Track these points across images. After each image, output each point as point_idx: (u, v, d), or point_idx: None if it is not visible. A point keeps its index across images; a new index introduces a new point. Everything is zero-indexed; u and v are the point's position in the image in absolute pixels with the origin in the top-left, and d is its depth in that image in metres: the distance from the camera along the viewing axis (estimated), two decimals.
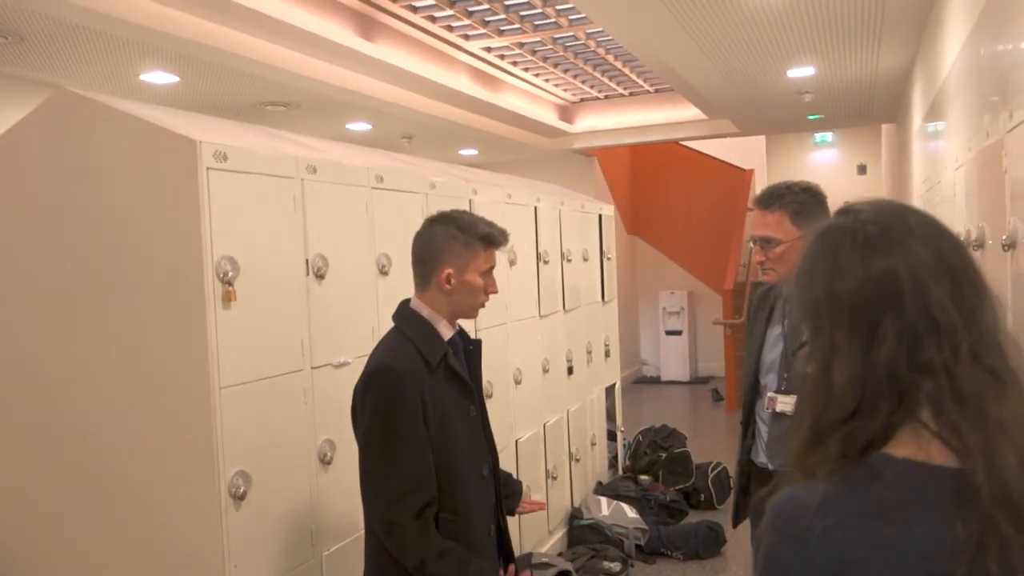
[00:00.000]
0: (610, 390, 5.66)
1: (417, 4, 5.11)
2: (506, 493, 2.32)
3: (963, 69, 2.94)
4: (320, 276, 2.57)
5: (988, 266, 2.17)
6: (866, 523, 0.86)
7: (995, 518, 0.82)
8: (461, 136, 7.64)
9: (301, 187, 2.52)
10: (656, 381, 10.49)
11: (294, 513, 2.45)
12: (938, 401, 0.87)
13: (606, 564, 4.31)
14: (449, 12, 5.25)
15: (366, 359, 2.07)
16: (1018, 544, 0.82)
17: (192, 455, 2.19)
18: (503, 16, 5.38)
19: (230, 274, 2.20)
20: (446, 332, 2.10)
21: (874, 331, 0.89)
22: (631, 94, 8.04)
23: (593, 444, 5.21)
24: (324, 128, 6.75)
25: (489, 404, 3.60)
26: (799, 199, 2.25)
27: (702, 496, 5.47)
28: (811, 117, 8.04)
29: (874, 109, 7.58)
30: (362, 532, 2.12)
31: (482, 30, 5.67)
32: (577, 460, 4.86)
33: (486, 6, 5.18)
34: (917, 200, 4.91)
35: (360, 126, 6.86)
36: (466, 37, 5.85)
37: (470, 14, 5.35)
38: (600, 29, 5.54)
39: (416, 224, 2.16)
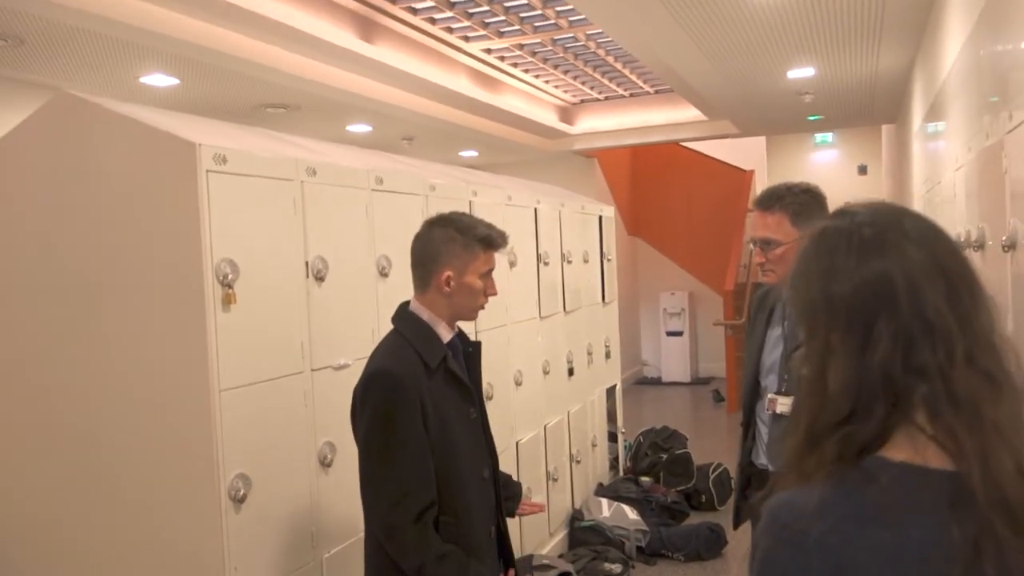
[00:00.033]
0: (611, 391, 5.65)
1: (417, 6, 5.11)
2: (506, 495, 2.31)
3: (963, 69, 2.94)
4: (320, 278, 2.57)
5: (988, 267, 2.17)
6: (863, 527, 0.85)
7: (991, 521, 0.82)
8: (461, 138, 7.64)
9: (301, 189, 2.52)
10: (657, 382, 10.49)
11: (294, 516, 2.45)
12: (933, 404, 0.87)
13: (607, 566, 4.31)
14: (449, 14, 5.25)
15: (366, 361, 2.07)
16: (1014, 547, 0.82)
17: (192, 458, 2.19)
18: (503, 18, 5.39)
19: (230, 277, 2.20)
20: (445, 334, 2.09)
21: (869, 334, 0.89)
22: (631, 95, 8.04)
23: (594, 445, 5.21)
24: (324, 130, 6.75)
25: (489, 406, 3.60)
26: (799, 200, 2.25)
27: (703, 497, 5.46)
28: (811, 118, 8.04)
29: (874, 110, 7.58)
30: (362, 534, 2.12)
31: (482, 32, 5.67)
32: (578, 461, 4.86)
33: (486, 8, 5.18)
34: (917, 201, 4.90)
35: (360, 128, 6.87)
36: (466, 39, 5.85)
37: (470, 16, 5.35)
38: (600, 30, 5.54)
39: (416, 226, 2.16)
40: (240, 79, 5.00)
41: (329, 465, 2.57)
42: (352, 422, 2.04)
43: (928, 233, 0.94)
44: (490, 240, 2.08)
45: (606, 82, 7.46)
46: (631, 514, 4.81)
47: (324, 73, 5.13)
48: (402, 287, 2.22)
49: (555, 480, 4.48)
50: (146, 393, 2.24)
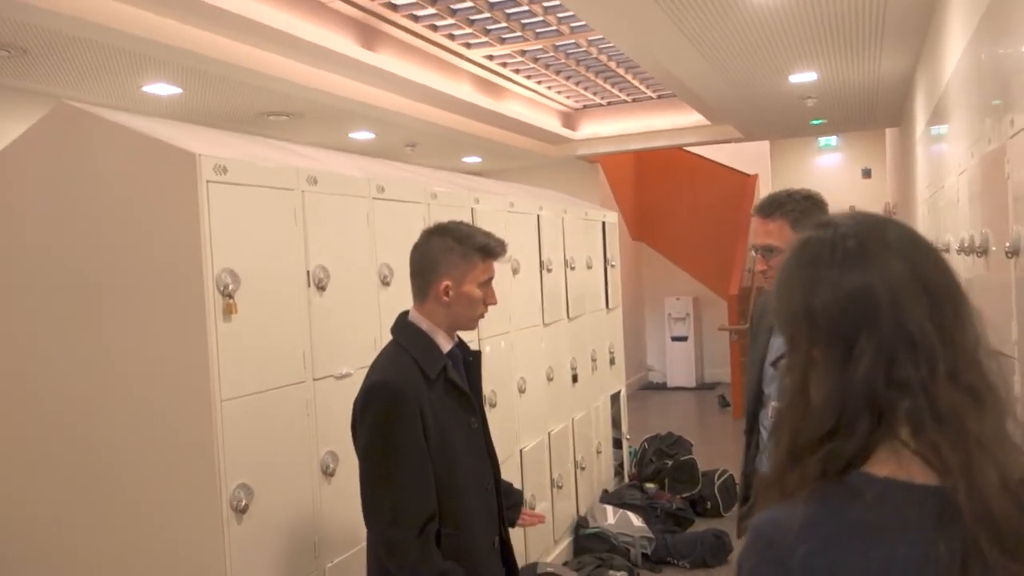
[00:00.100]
0: (615, 397, 5.64)
1: (418, 13, 5.12)
2: (507, 504, 2.30)
3: (965, 73, 2.93)
4: (321, 287, 2.57)
5: (992, 272, 2.16)
6: (848, 545, 0.84)
7: (978, 538, 0.81)
8: (464, 144, 7.65)
9: (302, 199, 2.52)
10: (662, 387, 10.46)
11: (296, 525, 2.44)
12: (916, 420, 0.86)
13: (612, 573, 4.29)
14: (451, 21, 5.26)
15: (367, 372, 2.06)
16: (1000, 564, 0.81)
17: (193, 468, 2.19)
18: (505, 24, 5.39)
19: (230, 287, 2.20)
20: (445, 344, 2.09)
21: (851, 348, 0.88)
22: (634, 100, 8.04)
23: (598, 452, 5.20)
24: (327, 137, 6.77)
25: (493, 413, 3.61)
26: (800, 207, 2.24)
27: (708, 504, 5.44)
28: (814, 122, 8.03)
29: (877, 114, 7.57)
30: (365, 544, 2.11)
31: (484, 38, 5.68)
32: (582, 468, 4.84)
33: (487, 15, 5.18)
34: (921, 205, 4.89)
35: (363, 135, 6.87)
36: (468, 45, 5.86)
37: (471, 23, 5.36)
38: (601, 36, 5.54)
39: (418, 234, 2.16)
40: (242, 88, 5.01)
41: (331, 474, 2.56)
42: (352, 434, 2.04)
43: (912, 245, 0.93)
44: (488, 249, 2.07)
45: (609, 87, 7.46)
46: (636, 521, 4.79)
47: (326, 81, 5.14)
48: (404, 296, 2.22)
49: (559, 487, 4.46)
50: (147, 403, 2.24)
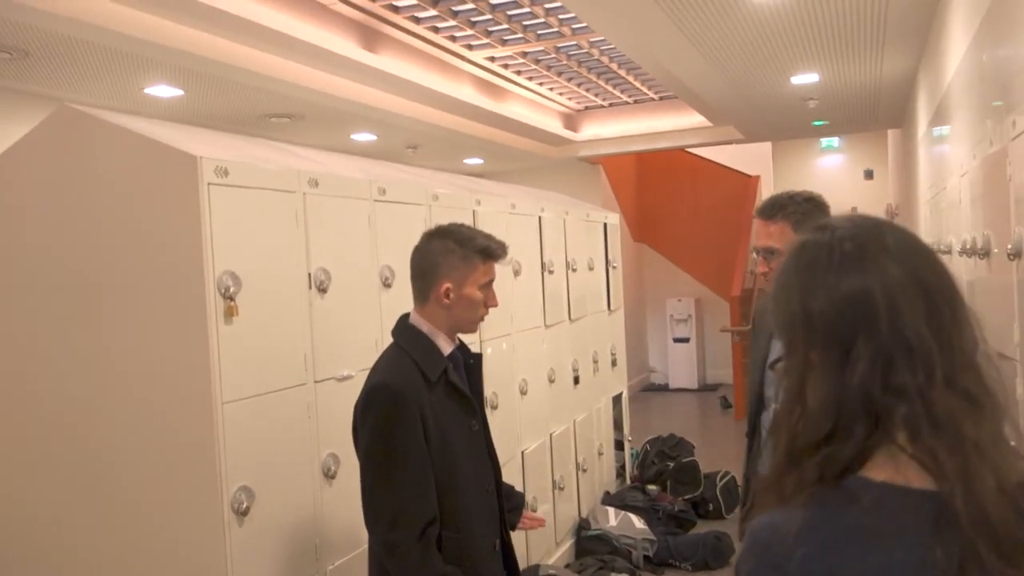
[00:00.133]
0: (617, 399, 5.64)
1: (420, 15, 5.12)
2: (508, 506, 2.30)
3: (967, 74, 2.93)
4: (323, 290, 2.57)
5: (994, 274, 2.15)
6: (846, 550, 0.84)
7: (975, 544, 0.81)
8: (466, 145, 7.65)
9: (303, 201, 2.52)
10: (664, 389, 10.46)
11: (298, 528, 2.44)
12: (913, 425, 0.86)
13: (614, 575, 4.28)
14: (452, 23, 5.26)
15: (368, 373, 2.06)
16: (998, 570, 0.81)
17: (195, 470, 2.19)
18: (506, 26, 5.39)
19: (232, 289, 2.20)
20: (446, 347, 2.09)
21: (848, 353, 0.88)
22: (635, 102, 8.04)
23: (600, 454, 5.19)
24: (329, 139, 6.77)
25: (495, 415, 3.61)
26: (801, 209, 2.24)
27: (710, 506, 5.44)
28: (816, 123, 8.02)
29: (879, 115, 7.56)
30: (366, 547, 2.11)
31: (485, 40, 5.68)
32: (584, 470, 4.84)
33: (489, 16, 5.18)
34: (923, 206, 4.88)
35: (365, 137, 6.88)
36: (470, 47, 5.86)
37: (473, 24, 5.36)
38: (603, 38, 5.54)
39: (419, 236, 2.16)
40: (244, 90, 5.01)
41: (333, 477, 2.56)
42: (354, 436, 2.04)
43: (909, 249, 0.92)
44: (489, 251, 2.07)
45: (610, 89, 7.46)
46: (638, 523, 4.78)
47: (328, 83, 5.14)
48: (405, 298, 2.22)
49: (561, 489, 4.46)
50: (148, 405, 2.24)
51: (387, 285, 2.88)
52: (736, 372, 8.82)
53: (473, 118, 6.72)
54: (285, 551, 2.38)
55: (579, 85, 7.28)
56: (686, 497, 5.42)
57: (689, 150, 10.01)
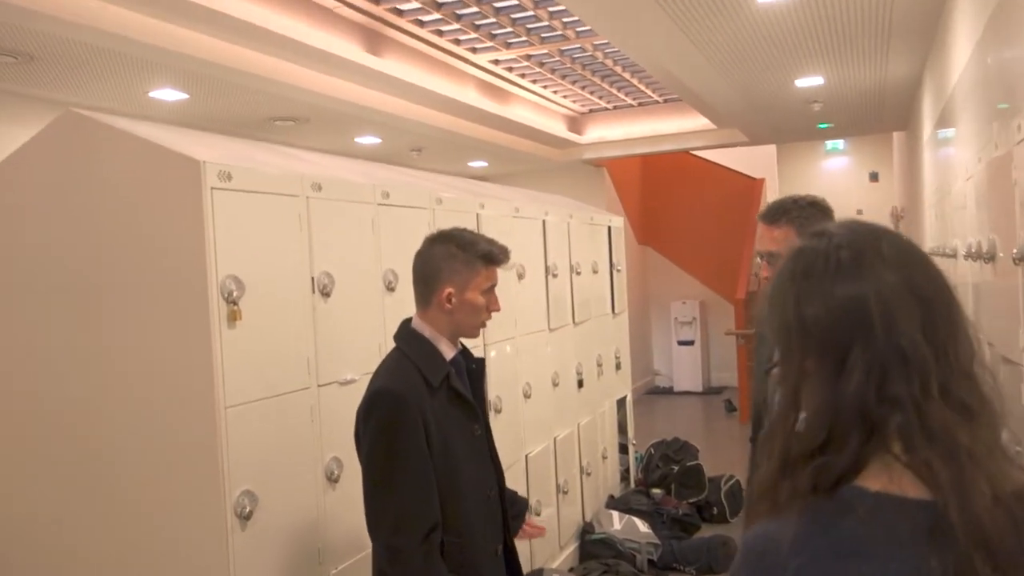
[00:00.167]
0: (621, 402, 5.63)
1: (424, 18, 5.12)
2: (511, 513, 2.29)
3: (972, 77, 2.92)
4: (326, 293, 2.57)
5: (999, 279, 2.14)
6: (840, 560, 0.84)
7: (970, 557, 0.80)
8: (470, 148, 7.65)
9: (306, 205, 2.52)
10: (669, 392, 10.44)
11: (301, 532, 2.44)
12: (908, 435, 0.85)
13: None
14: (456, 26, 5.26)
15: (371, 378, 2.06)
16: None
17: (198, 475, 2.19)
18: (510, 29, 5.39)
19: (235, 293, 2.20)
20: (448, 352, 2.08)
21: (843, 361, 0.88)
22: (640, 104, 8.04)
23: (604, 458, 5.18)
24: (333, 142, 6.78)
25: (499, 418, 3.60)
26: (805, 213, 2.23)
27: (715, 510, 5.42)
28: (821, 126, 8.01)
29: (884, 117, 7.55)
30: (369, 551, 2.10)
31: (489, 43, 5.68)
32: (588, 474, 4.83)
33: (493, 19, 5.19)
34: (928, 209, 4.87)
35: (369, 140, 6.88)
36: (474, 50, 5.86)
37: (477, 27, 5.36)
38: (607, 41, 5.54)
39: (422, 240, 2.15)
40: (249, 93, 5.02)
41: (336, 481, 2.56)
42: (356, 441, 2.03)
43: (907, 257, 0.92)
44: (491, 256, 2.07)
45: (614, 92, 7.46)
46: (642, 527, 4.77)
47: (332, 86, 5.15)
48: (409, 301, 2.22)
49: (565, 493, 4.45)
50: (152, 410, 2.24)
51: (390, 289, 2.87)
52: (741, 375, 8.80)
53: (477, 121, 6.72)
54: (288, 555, 2.38)
55: (583, 88, 7.28)
56: (690, 501, 5.41)
57: (694, 153, 10.00)
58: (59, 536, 2.38)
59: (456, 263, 2.04)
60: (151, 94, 4.95)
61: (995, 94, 2.34)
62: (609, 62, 6.41)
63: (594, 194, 9.00)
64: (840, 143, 11.73)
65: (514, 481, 3.63)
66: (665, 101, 7.86)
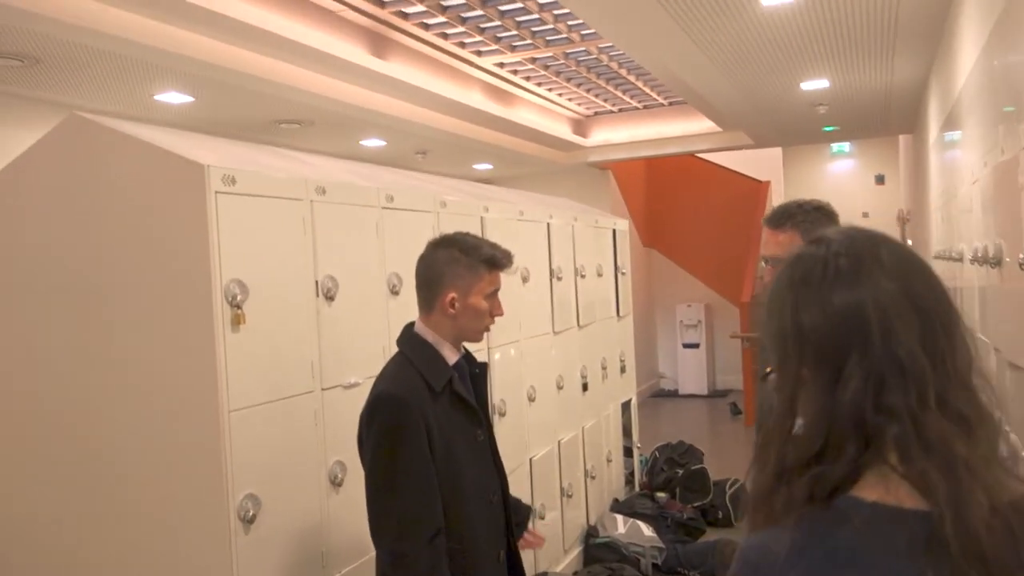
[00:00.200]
0: (626, 406, 5.62)
1: (429, 21, 5.13)
2: (515, 520, 2.28)
3: (978, 80, 2.90)
4: (330, 297, 2.57)
5: (1006, 283, 2.13)
6: (836, 570, 0.83)
7: (967, 571, 0.80)
8: (475, 151, 7.66)
9: (310, 209, 2.52)
10: (674, 395, 10.42)
11: (304, 536, 2.44)
12: (904, 447, 0.85)
13: None
14: (461, 29, 5.27)
15: (373, 382, 2.05)
16: None
17: (201, 478, 2.19)
18: (515, 32, 5.39)
19: (239, 297, 2.20)
20: (451, 356, 2.08)
21: (840, 370, 0.87)
22: (645, 107, 8.03)
23: (609, 461, 5.17)
24: (338, 145, 6.79)
25: (503, 422, 3.60)
26: (810, 218, 2.22)
27: (720, 513, 5.40)
28: (826, 129, 7.99)
29: (890, 120, 7.53)
30: (373, 554, 2.10)
31: (494, 46, 5.68)
32: (593, 477, 4.82)
33: (498, 22, 5.19)
34: (935, 212, 4.85)
35: (374, 142, 6.89)
36: (479, 53, 5.86)
37: (482, 30, 5.36)
38: (611, 44, 5.53)
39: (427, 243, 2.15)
40: (254, 96, 5.03)
41: (339, 484, 2.56)
42: (359, 447, 2.03)
43: (905, 265, 0.91)
44: (494, 261, 2.07)
45: (619, 94, 7.45)
46: (647, 531, 4.76)
47: (337, 89, 5.15)
48: (413, 305, 2.22)
49: (570, 496, 4.44)
50: (155, 414, 2.24)
51: (395, 292, 2.87)
52: (746, 378, 8.78)
53: (482, 124, 6.72)
54: (291, 559, 2.38)
55: (588, 91, 7.28)
56: (695, 504, 5.40)
57: (699, 155, 9.99)
58: (61, 539, 2.38)
59: (459, 268, 2.04)
60: (156, 97, 4.96)
61: (1001, 98, 2.33)
62: (614, 65, 6.41)
63: (599, 197, 8.99)
64: (846, 146, 11.70)
65: (518, 484, 3.63)
66: (670, 104, 7.85)
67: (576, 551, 4.58)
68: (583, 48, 5.89)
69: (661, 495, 5.43)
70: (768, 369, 0.99)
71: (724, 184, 10.53)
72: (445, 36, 5.43)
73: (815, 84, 5.77)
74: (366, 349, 2.71)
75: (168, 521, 2.23)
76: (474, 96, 6.23)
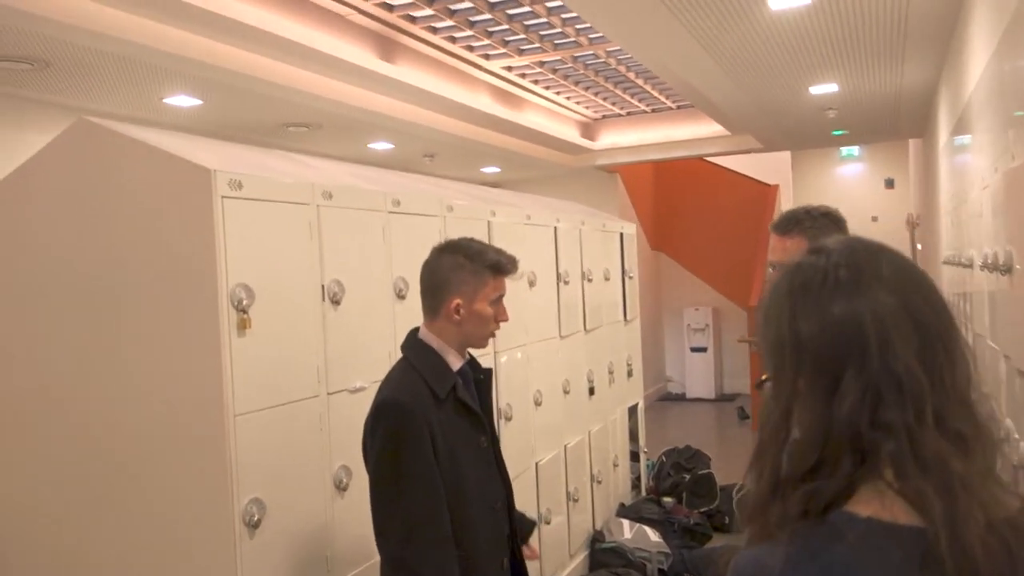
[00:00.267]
0: (632, 410, 5.60)
1: (437, 25, 5.13)
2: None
3: (988, 85, 2.89)
4: (336, 302, 2.57)
5: (1016, 290, 2.12)
6: None
7: None
8: (483, 154, 7.66)
9: (317, 213, 2.52)
10: (681, 398, 10.40)
11: (309, 540, 2.43)
12: (900, 463, 0.83)
13: None
14: (469, 32, 5.27)
15: (378, 388, 2.05)
16: None
17: (206, 483, 2.19)
18: (523, 36, 5.39)
19: (245, 302, 2.20)
20: (455, 362, 2.07)
21: (836, 383, 0.86)
22: (653, 111, 8.02)
23: (615, 465, 5.16)
24: (346, 148, 6.80)
25: (509, 426, 3.59)
26: (817, 224, 2.21)
27: (726, 519, 5.38)
28: (835, 133, 7.96)
29: (899, 125, 7.49)
30: (378, 559, 2.10)
31: (502, 50, 5.69)
32: (599, 482, 4.81)
33: (506, 26, 5.19)
34: (944, 216, 4.82)
35: (382, 145, 6.90)
36: (487, 57, 5.87)
37: (490, 34, 5.37)
38: (619, 47, 5.53)
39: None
40: (262, 99, 5.04)
41: (345, 489, 2.55)
42: (363, 453, 2.03)
43: (905, 279, 0.90)
44: (500, 266, 2.06)
45: (628, 98, 7.45)
46: (653, 536, 4.74)
47: (345, 92, 5.16)
48: (419, 309, 2.21)
49: (575, 501, 4.43)
50: (161, 417, 2.24)
51: (401, 297, 2.87)
52: (753, 383, 8.75)
53: (490, 127, 6.72)
54: (296, 563, 2.37)
55: (596, 94, 7.28)
56: (702, 510, 5.37)
57: (707, 159, 9.97)
58: (66, 541, 2.39)
59: (464, 274, 2.03)
60: (166, 100, 4.98)
61: (1012, 102, 2.31)
62: (622, 68, 6.40)
63: (607, 200, 8.98)
64: (855, 149, 11.65)
65: (524, 489, 3.62)
66: (678, 107, 7.84)
67: (582, 556, 4.56)
68: (591, 52, 5.88)
69: (668, 500, 5.41)
70: (764, 376, 0.98)
71: (732, 188, 10.50)
72: (453, 40, 5.44)
73: (824, 88, 5.75)
74: (372, 353, 2.71)
75: (173, 525, 2.23)
76: (482, 99, 6.23)
